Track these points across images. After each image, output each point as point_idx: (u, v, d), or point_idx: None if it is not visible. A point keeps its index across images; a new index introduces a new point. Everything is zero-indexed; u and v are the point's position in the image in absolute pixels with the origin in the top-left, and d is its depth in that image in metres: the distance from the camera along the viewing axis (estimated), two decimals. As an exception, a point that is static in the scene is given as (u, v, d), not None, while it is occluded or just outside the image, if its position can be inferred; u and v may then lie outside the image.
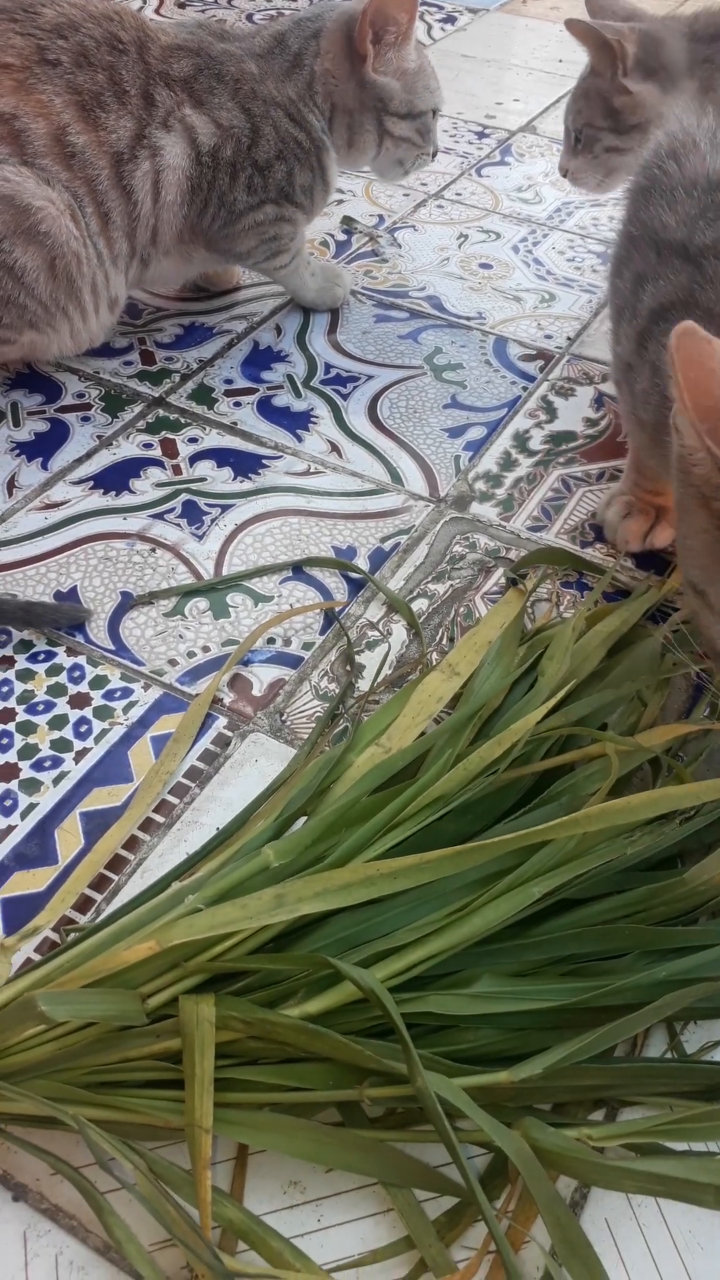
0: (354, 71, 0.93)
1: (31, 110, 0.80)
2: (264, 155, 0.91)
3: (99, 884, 0.60)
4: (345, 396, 0.97)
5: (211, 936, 0.48)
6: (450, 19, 1.85)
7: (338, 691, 0.71)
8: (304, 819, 0.59)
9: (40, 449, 0.90)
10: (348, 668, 0.73)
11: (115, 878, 0.60)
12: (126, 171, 0.85)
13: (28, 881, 0.60)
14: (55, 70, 0.81)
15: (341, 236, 1.21)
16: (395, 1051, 0.48)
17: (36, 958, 0.56)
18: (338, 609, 0.78)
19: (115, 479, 0.87)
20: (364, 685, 0.72)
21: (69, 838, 0.62)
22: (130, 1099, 0.47)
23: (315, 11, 0.94)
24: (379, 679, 0.72)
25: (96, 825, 0.63)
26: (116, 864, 0.61)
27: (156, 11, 1.77)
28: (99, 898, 0.59)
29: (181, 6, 1.81)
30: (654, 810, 0.55)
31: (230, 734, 0.68)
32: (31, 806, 0.64)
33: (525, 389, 1.00)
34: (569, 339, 1.06)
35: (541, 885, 0.53)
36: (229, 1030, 0.48)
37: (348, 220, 1.23)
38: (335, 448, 0.92)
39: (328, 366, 1.01)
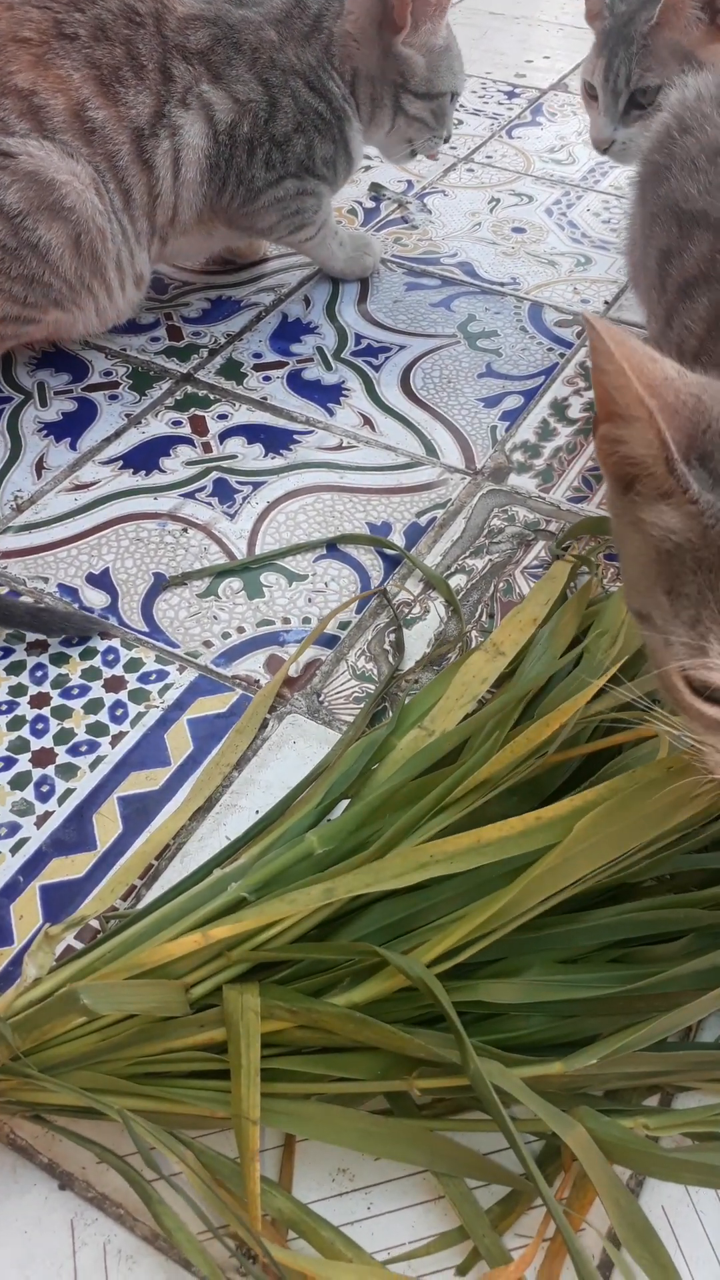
0: (380, 39, 0.90)
1: (50, 86, 0.78)
2: (282, 129, 0.88)
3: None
4: (377, 368, 0.95)
5: (256, 926, 0.47)
6: (476, -24, 1.80)
7: (375, 672, 0.70)
8: (346, 803, 0.57)
9: (68, 429, 0.89)
10: (386, 649, 0.72)
11: (155, 863, 0.59)
12: (148, 148, 0.83)
13: (66, 868, 0.59)
14: (73, 44, 0.79)
15: (370, 204, 1.18)
16: (445, 1040, 0.47)
17: (76, 945, 0.56)
18: (376, 587, 0.76)
19: (145, 458, 0.86)
20: (403, 664, 0.70)
21: (107, 823, 0.61)
22: (175, 1089, 0.47)
23: (297, 4, 0.90)
24: (420, 659, 0.71)
25: (134, 810, 0.62)
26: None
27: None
28: (139, 883, 0.59)
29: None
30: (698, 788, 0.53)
31: (268, 715, 0.67)
32: (69, 792, 0.63)
33: (563, 355, 0.97)
34: (606, 303, 1.03)
35: (589, 857, 0.51)
36: (274, 1020, 0.47)
37: (376, 187, 1.20)
38: (368, 421, 0.90)
39: (358, 337, 0.99)
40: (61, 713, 0.67)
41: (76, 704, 0.68)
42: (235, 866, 0.52)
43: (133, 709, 0.67)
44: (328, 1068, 0.47)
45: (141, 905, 0.57)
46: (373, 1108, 0.49)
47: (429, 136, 0.96)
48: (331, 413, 0.91)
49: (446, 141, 0.99)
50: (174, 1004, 0.47)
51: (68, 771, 0.64)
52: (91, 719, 0.67)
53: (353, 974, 0.49)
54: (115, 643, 0.71)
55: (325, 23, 0.89)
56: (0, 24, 0.77)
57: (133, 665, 0.70)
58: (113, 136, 0.81)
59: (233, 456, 0.87)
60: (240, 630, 0.73)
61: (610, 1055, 0.47)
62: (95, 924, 0.56)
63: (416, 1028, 0.48)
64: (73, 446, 0.87)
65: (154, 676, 0.69)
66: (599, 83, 0.99)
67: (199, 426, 0.89)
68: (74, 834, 0.61)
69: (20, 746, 0.65)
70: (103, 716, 0.67)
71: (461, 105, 1.39)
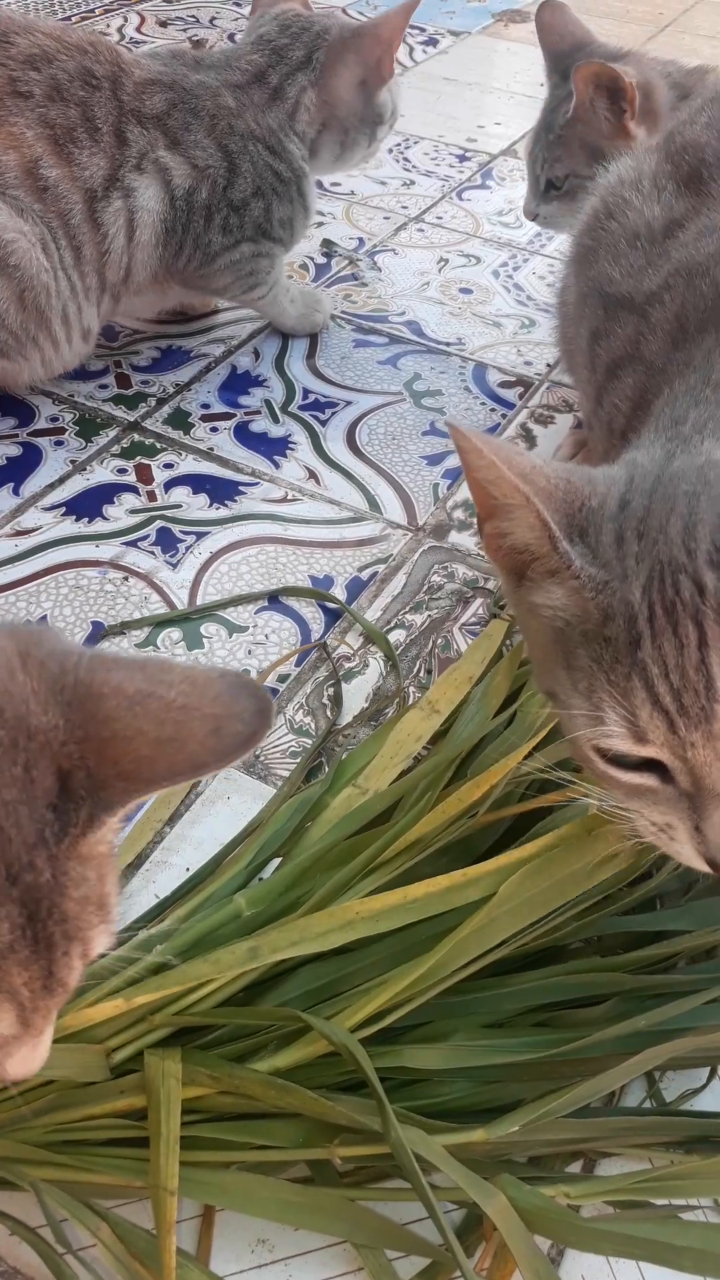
0: (363, 91, 0.95)
1: (3, 141, 0.79)
2: (240, 194, 0.90)
3: (65, 927, 0.58)
4: (324, 423, 0.97)
5: (180, 990, 0.47)
6: (432, 41, 1.86)
7: (313, 726, 0.70)
8: (278, 861, 0.57)
9: (11, 474, 0.88)
10: (325, 702, 0.72)
11: (82, 921, 0.58)
12: (101, 209, 0.84)
13: (-9, 924, 0.58)
14: (27, 103, 0.80)
15: (321, 260, 1.20)
16: (367, 1106, 0.47)
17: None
18: (316, 640, 0.76)
19: (88, 505, 0.86)
20: (340, 719, 0.71)
21: (35, 878, 0.60)
22: (92, 1158, 0.46)
23: (291, 38, 0.93)
24: (357, 714, 0.71)
25: (64, 865, 0.61)
26: (84, 906, 0.59)
27: (138, 29, 1.77)
28: (65, 941, 0.57)
29: (163, 25, 1.80)
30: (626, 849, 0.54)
31: (202, 770, 0.67)
32: None
33: (504, 416, 0.99)
34: (549, 365, 1.06)
35: (514, 917, 0.52)
36: (196, 1086, 0.47)
37: (328, 243, 1.22)
38: (313, 474, 0.91)
39: (306, 392, 1.00)
40: (-8, 763, 0.66)
41: (8, 754, 0.67)
42: (161, 928, 0.51)
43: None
44: (249, 1135, 0.47)
45: (66, 964, 0.56)
46: (294, 1175, 0.48)
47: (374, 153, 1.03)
48: (278, 465, 0.92)
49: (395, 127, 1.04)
50: (94, 1069, 0.46)
51: None
52: (23, 770, 0.66)
53: (278, 1038, 0.49)
54: (50, 692, 0.71)
55: (289, 92, 0.92)
56: (-46, 79, 0.78)
57: (67, 716, 0.69)
58: (65, 195, 0.82)
59: (177, 506, 0.87)
60: (178, 682, 0.72)
61: (533, 1121, 0.47)
62: (18, 983, 0.55)
63: (340, 1093, 0.48)
64: (15, 491, 0.87)
65: (88, 728, 0.69)
66: (526, 162, 1.08)
67: (144, 475, 0.90)
68: (0, 889, 0.60)
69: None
70: (34, 768, 0.66)
71: (413, 166, 1.42)
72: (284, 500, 0.89)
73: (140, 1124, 0.46)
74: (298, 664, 0.75)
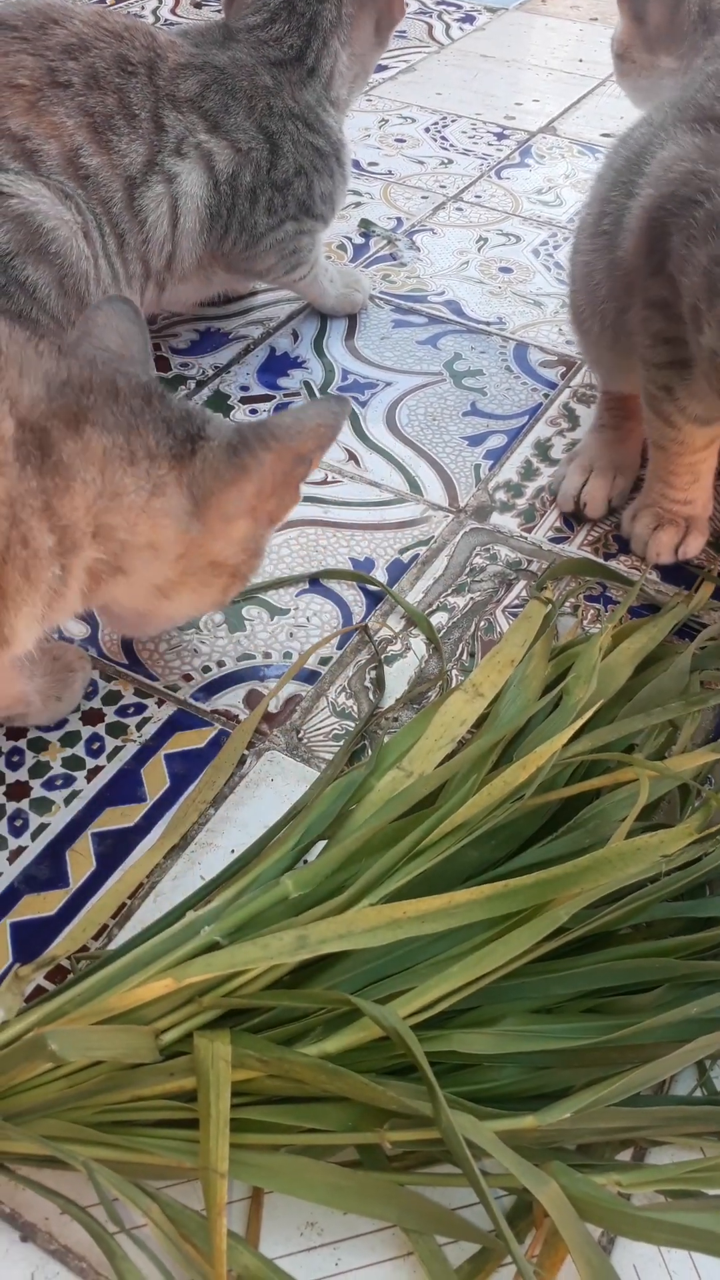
0: (378, 37, 0.95)
1: (44, 132, 0.78)
2: (283, 175, 0.89)
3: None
4: (363, 404, 0.96)
5: (229, 972, 0.47)
6: (469, 18, 1.83)
7: (355, 709, 0.70)
8: (324, 843, 0.57)
9: (53, 457, 0.88)
10: (367, 685, 0.71)
11: (128, 902, 0.58)
12: (139, 194, 0.83)
13: (38, 905, 0.58)
14: (67, 92, 0.79)
15: (359, 240, 1.19)
16: (417, 1091, 0.46)
17: (47, 986, 0.55)
18: (358, 623, 0.76)
19: (129, 488, 0.86)
20: (383, 702, 0.70)
21: (80, 859, 0.61)
22: (142, 1139, 0.46)
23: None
24: (400, 697, 0.71)
25: (108, 846, 0.61)
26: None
27: (173, 11, 1.76)
28: (111, 923, 0.58)
29: (197, 6, 1.79)
30: (681, 842, 0.53)
31: (246, 752, 0.66)
32: (43, 827, 0.62)
33: (546, 396, 0.98)
34: (591, 345, 1.04)
35: (568, 908, 0.51)
36: (245, 1069, 0.46)
37: (365, 223, 1.21)
38: (353, 456, 0.91)
39: (345, 373, 0.99)
40: (38, 745, 0.66)
41: (53, 736, 0.67)
42: (209, 909, 0.51)
43: (110, 743, 0.67)
44: (298, 1118, 0.47)
45: (113, 946, 0.56)
46: (343, 1159, 0.48)
47: None
48: (317, 447, 0.91)
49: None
50: (143, 1051, 0.46)
51: (42, 806, 0.63)
52: (68, 752, 0.66)
53: (325, 1022, 0.48)
54: (94, 674, 0.71)
55: (324, 63, 0.91)
56: (-6, 70, 0.78)
57: (111, 698, 0.69)
58: (106, 183, 0.81)
59: (217, 488, 0.86)
60: (220, 664, 0.72)
61: (584, 1109, 0.46)
62: (66, 964, 0.55)
63: (388, 1078, 0.47)
64: (56, 475, 0.87)
65: (132, 710, 0.69)
66: None
67: (184, 458, 0.89)
68: (47, 870, 0.60)
69: (-6, 779, 0.64)
70: (79, 750, 0.66)
71: (451, 145, 1.40)
72: (324, 482, 0.88)
73: (190, 1106, 0.46)
74: (339, 647, 0.74)
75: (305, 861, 0.57)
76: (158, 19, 1.73)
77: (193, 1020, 0.47)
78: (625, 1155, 0.51)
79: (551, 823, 0.59)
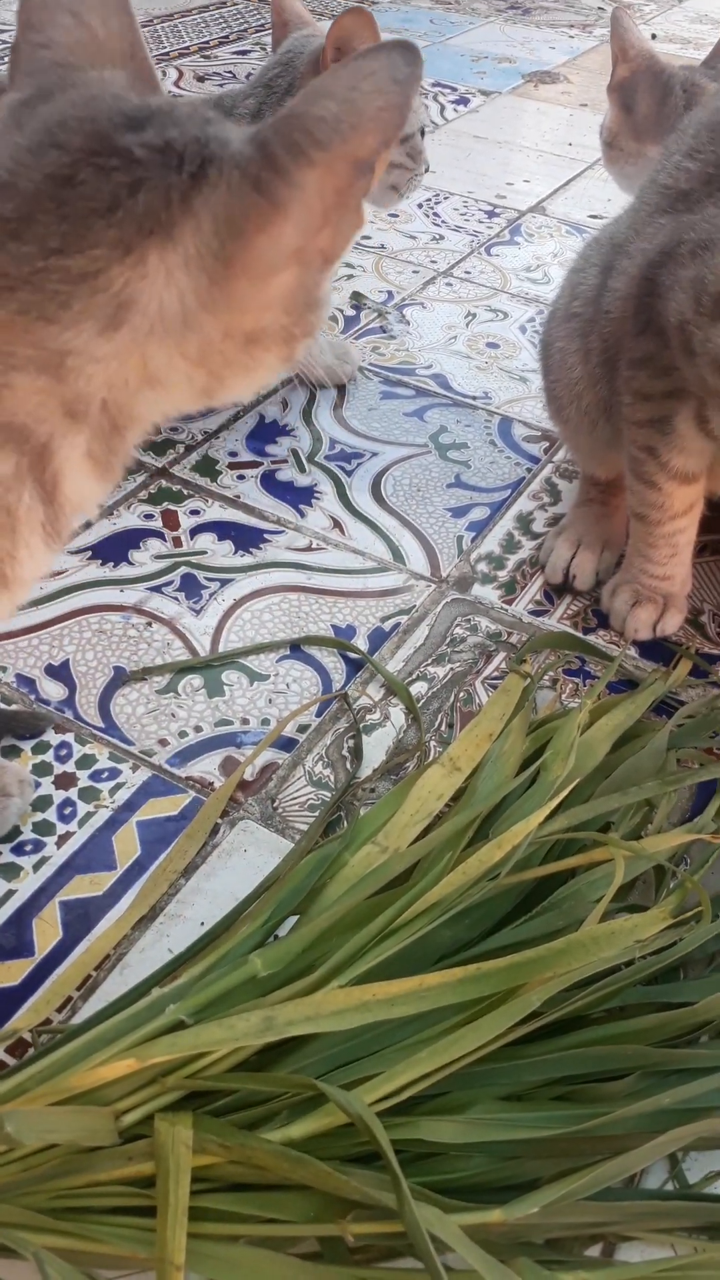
0: None
1: None
2: None
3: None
4: (349, 473, 0.97)
5: (193, 1053, 0.46)
6: (463, 100, 1.90)
7: (332, 778, 0.69)
8: (296, 918, 0.56)
9: (39, 516, 0.88)
10: (344, 754, 0.71)
11: (94, 974, 0.57)
12: None
13: (2, 975, 0.57)
14: None
15: (350, 312, 1.21)
16: (381, 1181, 0.45)
17: (8, 1060, 0.53)
18: (337, 690, 0.76)
19: (114, 549, 0.86)
20: (360, 772, 0.70)
21: (47, 928, 0.60)
22: (96, 1227, 0.44)
23: (283, 66, 0.92)
24: (377, 767, 0.70)
25: (76, 916, 0.60)
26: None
27: (175, 84, 1.81)
28: (76, 995, 0.57)
29: (201, 80, 1.85)
30: (655, 926, 0.53)
31: (219, 821, 0.66)
32: (10, 893, 0.61)
33: (529, 470, 0.99)
34: (575, 421, 1.06)
35: (541, 993, 0.51)
36: (206, 1154, 0.45)
37: (357, 296, 1.23)
38: (338, 524, 0.91)
39: (333, 442, 1.00)
40: (9, 809, 0.66)
41: (25, 800, 0.66)
42: (175, 986, 0.50)
43: (82, 808, 0.66)
44: (259, 1207, 0.45)
45: (77, 1019, 0.55)
46: (303, 1251, 0.47)
47: (410, 175, 1.00)
48: (303, 514, 0.92)
49: (427, 172, 1.03)
50: (102, 1133, 0.45)
51: (10, 871, 0.62)
52: (39, 817, 0.65)
53: (291, 1106, 0.47)
54: (69, 737, 0.70)
55: None
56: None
57: (85, 762, 0.69)
58: None
59: (202, 552, 0.87)
60: (198, 729, 0.72)
61: (553, 1204, 0.45)
62: (28, 1037, 0.54)
63: (353, 1165, 0.46)
64: (41, 534, 0.87)
65: (106, 774, 0.68)
66: None
67: (170, 521, 0.90)
68: (12, 939, 0.59)
69: (-37, 843, 0.63)
70: (50, 815, 0.65)
71: (443, 221, 1.44)
72: (308, 549, 0.89)
73: (147, 1192, 0.45)
74: (318, 714, 0.74)
75: (276, 937, 0.56)
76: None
77: (154, 1101, 0.46)
78: (594, 1250, 0.49)
79: (526, 901, 0.58)
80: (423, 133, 1.01)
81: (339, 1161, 0.46)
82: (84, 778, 0.68)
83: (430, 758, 0.71)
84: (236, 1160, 0.45)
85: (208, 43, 2.03)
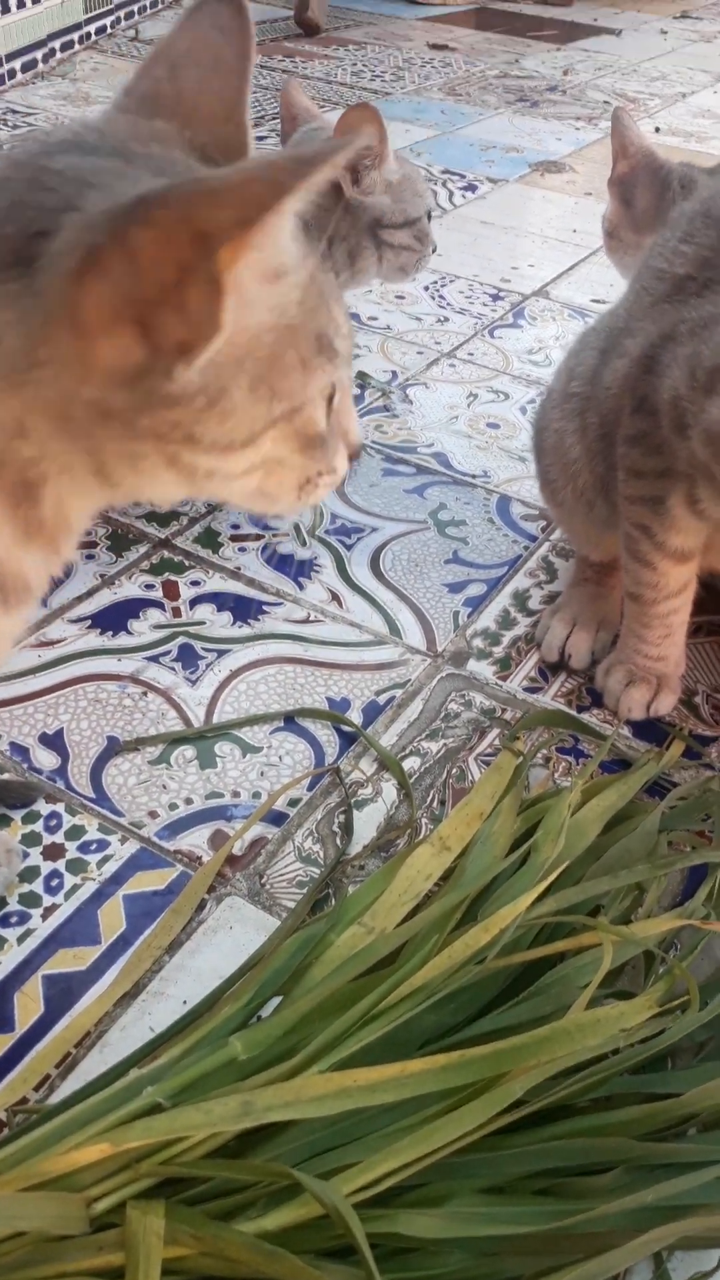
0: (338, 199, 0.97)
1: None
2: None
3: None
4: (349, 547, 0.98)
5: (168, 1138, 0.45)
6: (471, 187, 1.96)
7: (322, 854, 0.69)
8: (280, 997, 0.56)
9: (41, 584, 0.90)
10: (335, 830, 0.71)
11: (73, 1051, 0.57)
12: None
13: (-19, 1050, 0.57)
14: None
15: (356, 391, 1.24)
16: (358, 1277, 0.44)
17: (-19, 1139, 0.53)
18: (329, 764, 0.76)
19: (114, 619, 0.87)
20: (350, 848, 0.70)
21: (28, 1002, 0.59)
22: (64, 1320, 0.43)
23: None
24: (368, 844, 0.70)
25: (58, 990, 0.60)
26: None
27: (194, 169, 1.88)
28: (54, 1073, 0.56)
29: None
30: (642, 1015, 0.52)
31: (206, 896, 0.66)
32: (-6, 966, 0.61)
33: (526, 548, 1.01)
34: (573, 500, 1.07)
35: (524, 1083, 0.50)
36: (178, 1245, 0.44)
37: (362, 376, 1.26)
38: (336, 597, 0.92)
39: (334, 516, 1.02)
40: (-4, 878, 0.65)
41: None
42: (154, 1067, 0.50)
43: (69, 880, 0.66)
44: (230, 1302, 0.44)
45: (55, 1098, 0.54)
46: (276, 1350, 0.45)
47: (418, 258, 1.03)
48: (302, 586, 0.93)
49: (435, 253, 1.06)
50: (73, 1221, 0.44)
51: (-5, 943, 0.62)
52: (25, 888, 0.65)
53: (267, 1195, 0.46)
54: (60, 807, 0.70)
55: None
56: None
57: (74, 833, 0.69)
58: None
59: (201, 623, 0.88)
60: (188, 801, 0.72)
61: (531, 1305, 0.44)
62: (2, 1116, 0.53)
63: (329, 1260, 0.45)
64: (43, 603, 0.88)
65: (95, 846, 0.68)
66: None
67: (171, 591, 0.91)
68: (-7, 1012, 0.59)
69: (-51, 912, 0.63)
70: (37, 886, 0.65)
71: (448, 304, 1.48)
72: (306, 621, 0.89)
73: (116, 1284, 0.44)
74: (310, 788, 0.74)
75: (259, 1017, 0.55)
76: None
77: (128, 1188, 0.45)
78: None
79: (514, 985, 0.58)
80: (429, 216, 1.05)
81: (314, 1255, 0.45)
82: (73, 849, 0.68)
83: (421, 835, 0.71)
84: (208, 1252, 0.44)
85: (226, 129, 2.11)
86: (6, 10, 2.15)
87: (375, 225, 0.99)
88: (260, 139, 2.07)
